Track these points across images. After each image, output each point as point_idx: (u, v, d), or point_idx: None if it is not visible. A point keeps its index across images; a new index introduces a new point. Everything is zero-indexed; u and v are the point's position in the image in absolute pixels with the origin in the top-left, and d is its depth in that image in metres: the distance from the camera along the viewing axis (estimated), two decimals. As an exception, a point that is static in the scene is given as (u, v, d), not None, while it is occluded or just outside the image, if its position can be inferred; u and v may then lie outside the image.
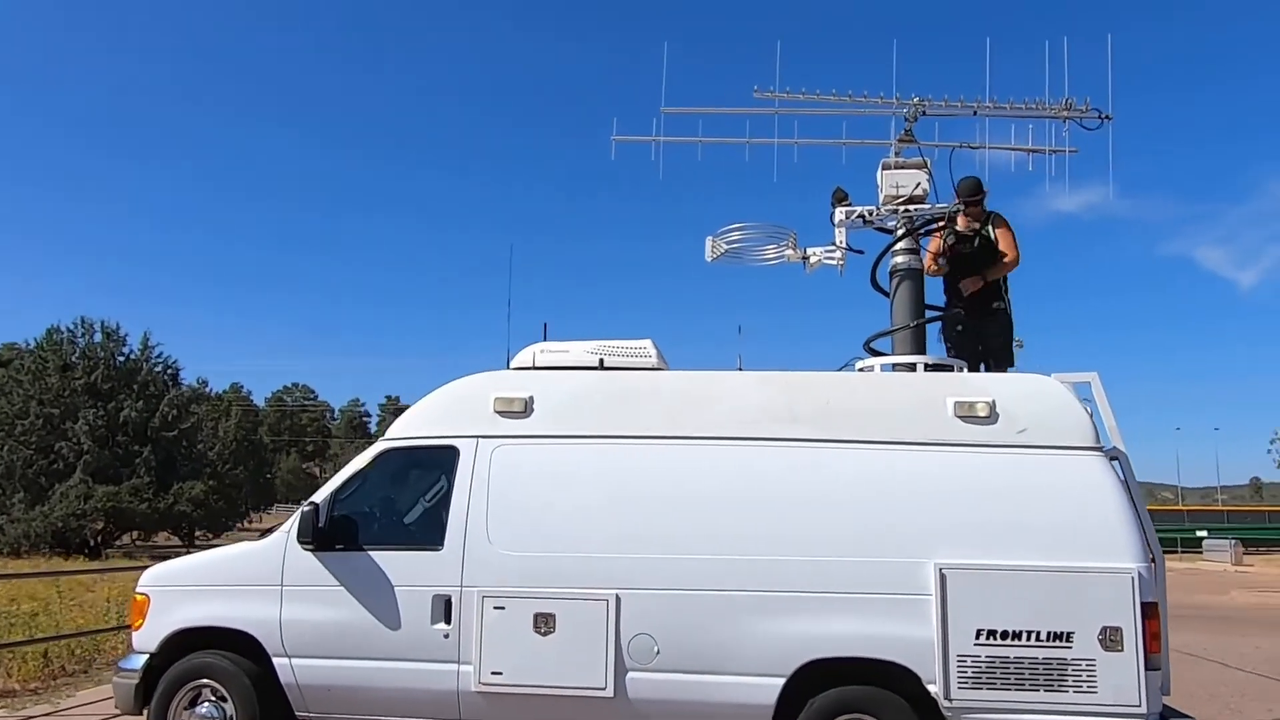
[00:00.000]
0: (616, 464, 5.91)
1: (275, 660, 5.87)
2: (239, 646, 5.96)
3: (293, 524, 6.04)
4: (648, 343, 6.52)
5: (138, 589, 6.25)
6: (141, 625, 6.12)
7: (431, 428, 6.19)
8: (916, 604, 5.41)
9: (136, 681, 5.97)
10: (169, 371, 41.86)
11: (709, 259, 7.12)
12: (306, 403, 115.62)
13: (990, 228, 6.93)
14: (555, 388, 6.18)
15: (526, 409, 6.09)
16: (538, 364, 6.38)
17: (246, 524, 48.38)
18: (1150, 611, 5.30)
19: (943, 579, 5.38)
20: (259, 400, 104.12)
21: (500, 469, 5.96)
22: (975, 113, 6.43)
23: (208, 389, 52.79)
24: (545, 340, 6.65)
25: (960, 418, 5.75)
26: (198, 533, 41.18)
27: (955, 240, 6.97)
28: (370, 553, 5.93)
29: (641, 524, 5.73)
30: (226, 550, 6.42)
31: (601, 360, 6.35)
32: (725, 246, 7.05)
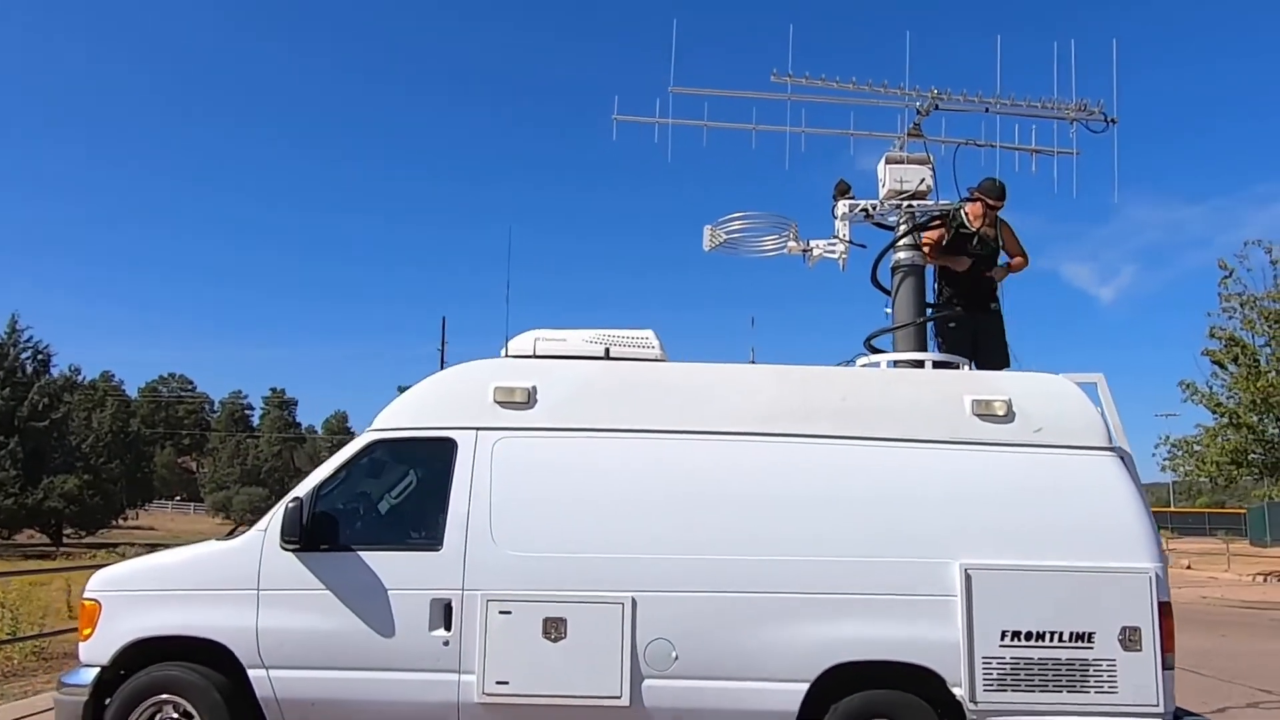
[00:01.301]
0: (628, 460, 5.59)
1: (251, 672, 5.32)
2: (207, 658, 5.37)
3: (271, 521, 5.49)
4: (649, 333, 6.22)
5: (86, 594, 5.57)
6: (91, 635, 5.45)
7: (425, 418, 5.73)
8: (941, 605, 5.29)
9: (86, 698, 5.31)
10: (39, 358, 39.07)
11: (707, 248, 6.88)
12: (184, 393, 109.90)
13: (998, 230, 6.91)
14: (560, 378, 5.82)
15: (529, 400, 5.70)
16: (539, 352, 6.00)
17: (122, 521, 45.58)
18: (1165, 611, 5.33)
19: (968, 580, 5.28)
20: (131, 391, 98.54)
21: (503, 463, 5.56)
22: (987, 110, 6.39)
23: (80, 377, 49.29)
24: (530, 332, 6.25)
25: (978, 416, 5.67)
26: (68, 530, 38.56)
27: (958, 237, 6.91)
28: (360, 553, 5.43)
29: (657, 523, 5.44)
30: (190, 551, 5.80)
31: (607, 350, 6.02)
32: (724, 236, 6.82)
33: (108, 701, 5.38)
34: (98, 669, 5.38)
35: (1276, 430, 23.73)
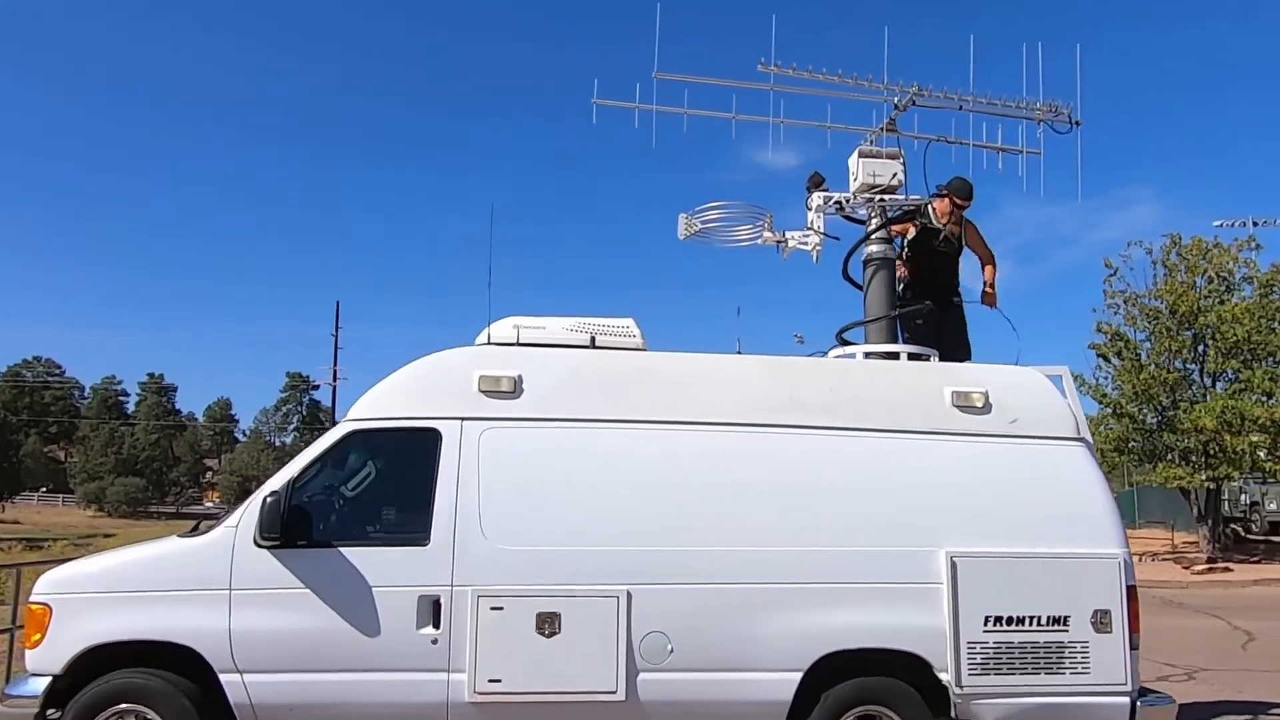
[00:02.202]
0: (618, 451, 5.50)
1: (223, 677, 5.00)
2: (172, 663, 5.03)
3: (243, 517, 5.17)
4: (630, 321, 6.14)
5: (34, 598, 5.13)
6: (41, 641, 5.02)
7: (406, 407, 5.50)
8: (928, 593, 5.41)
9: (36, 710, 4.89)
10: (-107, 338, 35.94)
11: (681, 237, 6.82)
12: (50, 378, 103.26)
13: (963, 229, 7.09)
14: (546, 367, 5.67)
15: (515, 389, 5.54)
16: (522, 340, 5.83)
17: (-13, 515, 42.53)
18: (1132, 594, 5.58)
19: (954, 567, 5.41)
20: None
21: (490, 455, 5.38)
22: (961, 107, 6.54)
23: (-63, 360, 45.62)
24: (509, 319, 6.07)
25: (958, 407, 5.81)
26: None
27: (924, 232, 7.05)
28: (341, 549, 5.17)
29: (650, 515, 5.37)
30: (150, 549, 5.40)
31: (593, 338, 5.90)
32: (699, 225, 6.78)
33: (55, 714, 4.98)
34: (49, 678, 4.97)
35: (1155, 420, 25.25)
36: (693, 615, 5.25)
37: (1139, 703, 5.48)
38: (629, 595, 5.19)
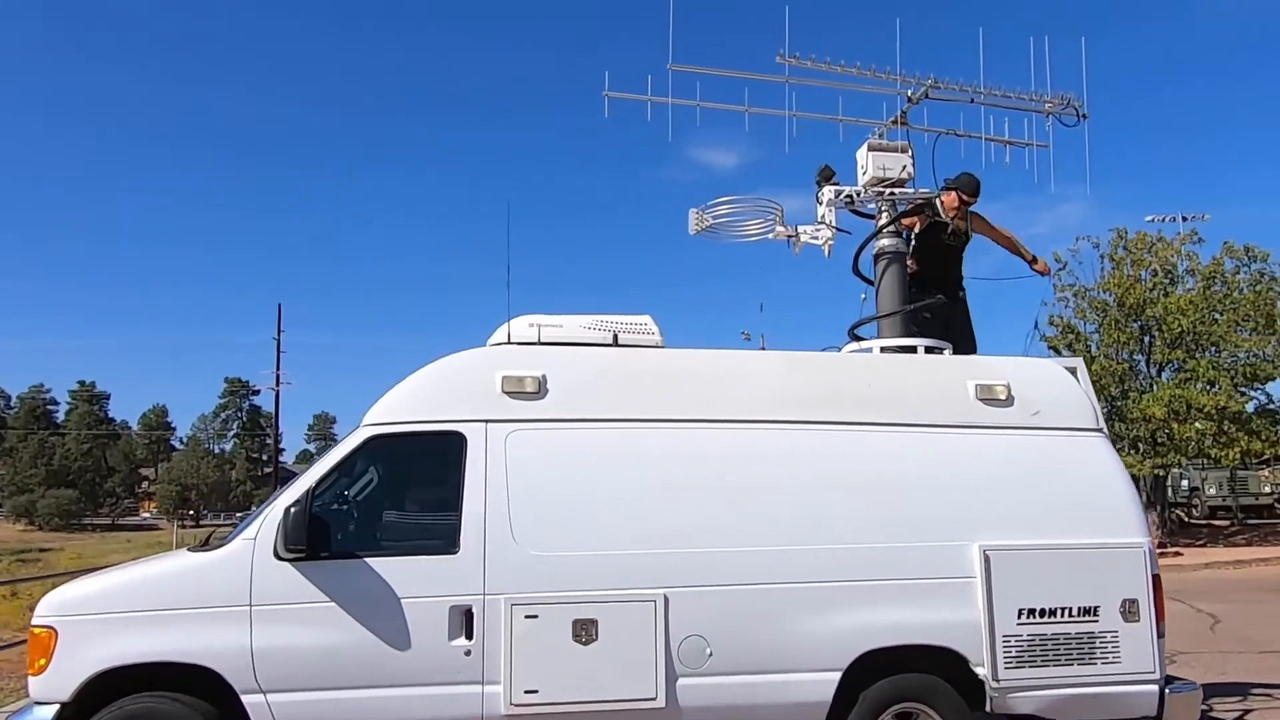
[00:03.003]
0: (648, 451, 5.36)
1: (246, 699, 4.74)
2: (188, 686, 4.75)
3: (261, 529, 4.91)
4: (648, 319, 6.01)
5: (36, 621, 4.80)
6: (46, 667, 4.69)
7: (427, 411, 5.29)
8: (962, 587, 5.37)
9: None
10: None
11: (692, 232, 6.71)
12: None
13: (969, 224, 7.09)
14: (570, 366, 5.51)
15: (540, 389, 5.37)
16: (543, 339, 5.66)
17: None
18: (1156, 583, 5.62)
19: (987, 561, 5.38)
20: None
21: (517, 458, 5.20)
22: (972, 100, 6.53)
23: None
24: (524, 317, 5.90)
25: (982, 400, 5.79)
26: None
27: (932, 226, 7.04)
28: (367, 560, 4.95)
29: (685, 516, 5.24)
30: (162, 565, 5.10)
31: (616, 336, 5.75)
32: (710, 220, 6.67)
33: None
34: (56, 706, 4.65)
35: (1105, 409, 25.88)
36: (731, 617, 5.13)
37: (1167, 690, 5.52)
38: (666, 599, 5.06)
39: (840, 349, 6.62)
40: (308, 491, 4.97)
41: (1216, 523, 32.06)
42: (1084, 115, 6.78)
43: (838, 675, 5.17)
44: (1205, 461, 28.48)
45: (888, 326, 6.73)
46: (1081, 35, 6.50)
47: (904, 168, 6.72)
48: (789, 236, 6.75)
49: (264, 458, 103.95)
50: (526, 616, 4.94)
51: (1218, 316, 25.07)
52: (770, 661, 5.14)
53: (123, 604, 4.82)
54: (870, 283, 6.96)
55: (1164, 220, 28.45)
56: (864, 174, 6.81)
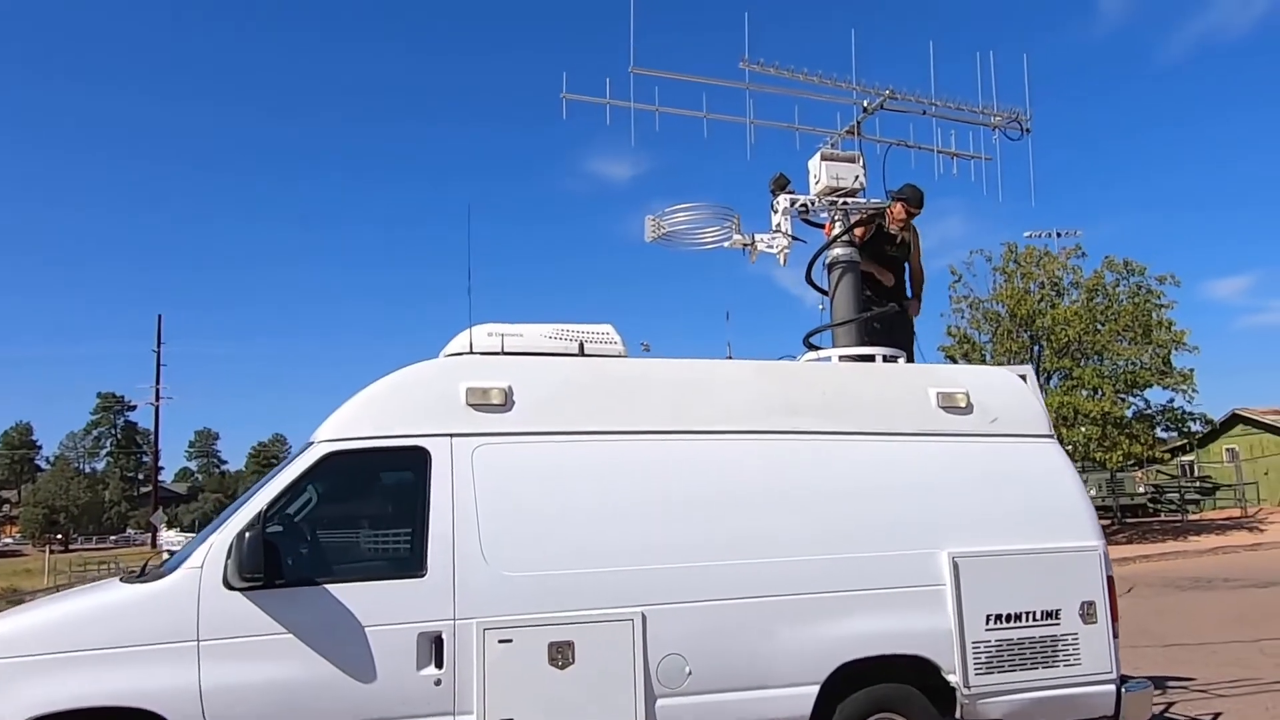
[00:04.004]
0: (619, 464, 5.19)
1: None
2: None
3: (206, 557, 4.51)
4: (609, 327, 5.84)
5: None
6: None
7: (388, 425, 4.97)
8: (932, 595, 5.38)
9: None
10: None
11: (648, 239, 6.58)
12: None
13: (912, 235, 7.18)
14: (536, 377, 5.29)
15: (506, 401, 5.13)
16: (506, 349, 5.42)
17: None
18: (1111, 585, 5.77)
19: (956, 568, 5.41)
20: None
21: (485, 474, 4.95)
22: (925, 112, 6.63)
23: None
24: (482, 326, 5.66)
25: (943, 408, 5.84)
26: None
27: (877, 236, 7.10)
28: (326, 587, 4.60)
29: (659, 531, 5.08)
30: (95, 598, 4.61)
31: (582, 345, 5.56)
32: (666, 228, 6.55)
33: None
34: None
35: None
36: (709, 634, 4.99)
37: (1123, 688, 5.66)
38: (644, 617, 4.88)
39: (796, 358, 6.59)
40: (259, 514, 4.59)
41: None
42: (1027, 129, 6.98)
43: (816, 689, 5.09)
44: (1088, 464, 30.03)
45: (843, 335, 6.75)
46: (1024, 52, 6.68)
47: (856, 177, 6.76)
48: (745, 245, 6.69)
49: (141, 477, 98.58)
50: (500, 641, 4.69)
51: (1100, 327, 26.51)
52: (749, 678, 5.02)
53: (53, 643, 4.32)
54: (824, 292, 6.97)
55: (1040, 235, 29.96)
56: (817, 183, 6.82)
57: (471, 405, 5.06)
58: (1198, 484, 35.54)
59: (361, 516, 5.16)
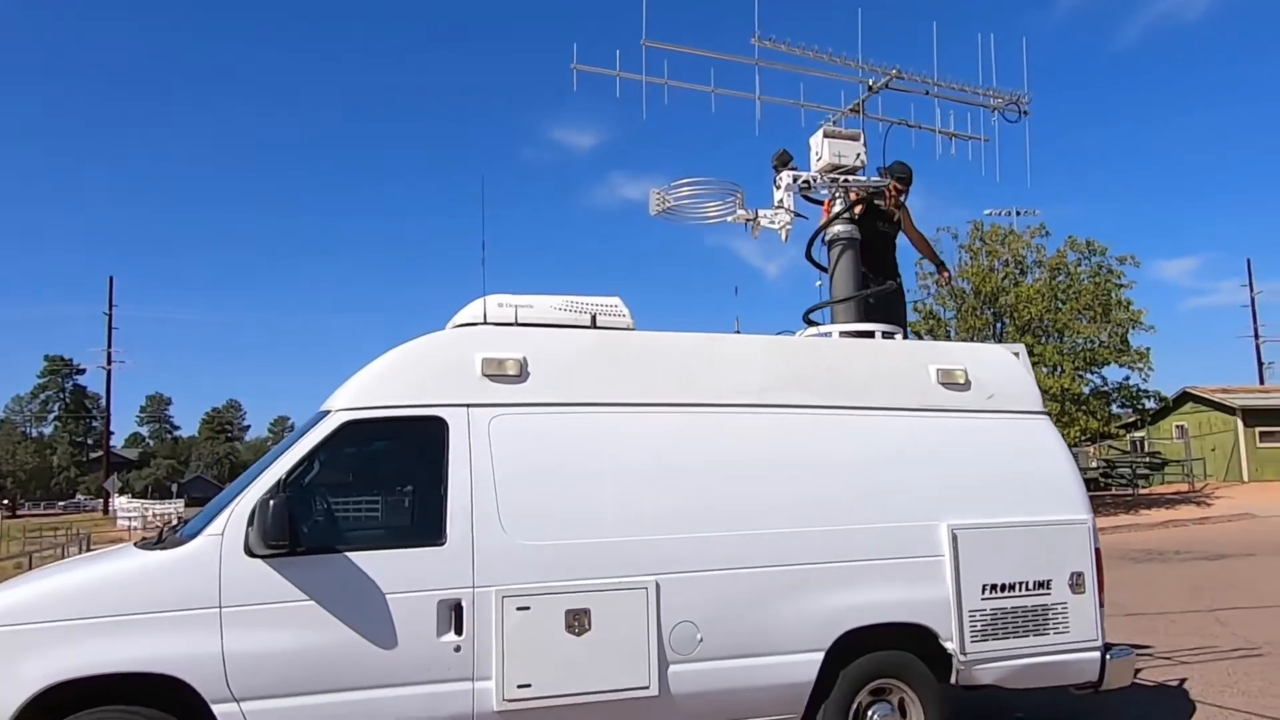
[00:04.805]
0: (633, 435, 5.26)
1: (217, 709, 4.34)
2: (146, 698, 4.32)
3: (227, 524, 4.51)
4: (618, 300, 5.88)
5: None
6: None
7: (405, 394, 4.99)
8: (933, 565, 5.55)
9: None
10: None
11: (652, 213, 6.62)
12: None
13: (901, 212, 7.29)
14: (551, 348, 5.32)
15: (522, 372, 5.17)
16: (520, 320, 5.44)
17: None
18: (1098, 557, 5.99)
19: (955, 539, 5.58)
20: None
21: (501, 444, 4.99)
22: (927, 92, 6.71)
23: None
24: (494, 296, 5.67)
25: (943, 384, 5.99)
26: None
27: (870, 213, 7.20)
28: (348, 555, 4.62)
29: (673, 501, 5.17)
30: (112, 565, 4.58)
31: (594, 317, 5.60)
32: (671, 201, 6.59)
33: None
34: None
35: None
36: (720, 602, 5.11)
37: (1108, 655, 5.90)
38: (657, 585, 4.99)
39: (795, 333, 6.69)
40: (279, 482, 4.60)
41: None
42: (1025, 112, 7.10)
43: (821, 655, 5.25)
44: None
45: (842, 312, 6.85)
46: (1023, 35, 6.78)
47: (858, 155, 6.83)
48: (748, 220, 6.75)
49: (90, 442, 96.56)
50: (518, 609, 4.76)
51: (1061, 305, 27.06)
52: (757, 645, 5.15)
53: (70, 610, 4.31)
54: (823, 269, 7.06)
55: (1001, 214, 30.37)
56: (819, 160, 6.89)
57: (487, 376, 5.09)
58: (1148, 459, 36.60)
59: (379, 485, 5.18)
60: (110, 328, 60.76)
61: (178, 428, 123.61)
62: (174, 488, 76.57)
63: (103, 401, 74.48)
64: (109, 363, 61.02)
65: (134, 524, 39.13)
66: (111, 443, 74.57)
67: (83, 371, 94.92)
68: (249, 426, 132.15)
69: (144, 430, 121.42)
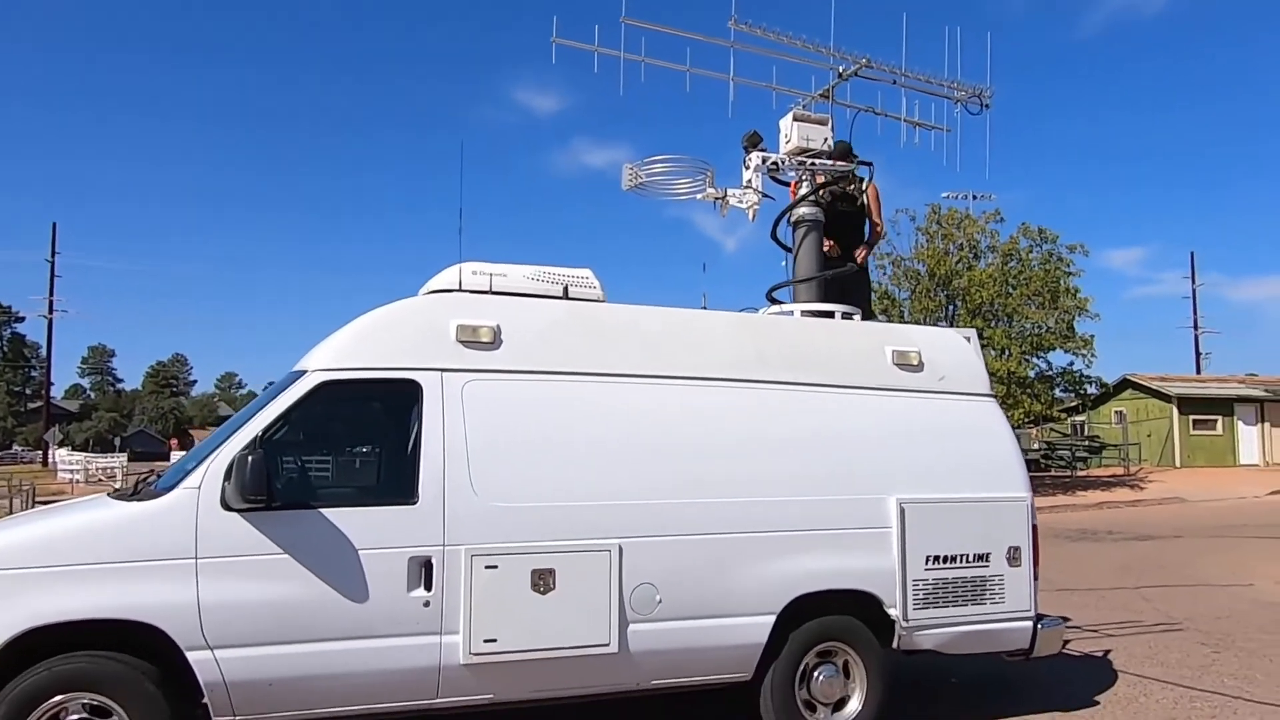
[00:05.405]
0: (602, 405, 5.45)
1: (192, 655, 4.48)
2: (118, 645, 4.44)
3: (204, 478, 4.62)
4: (588, 272, 6.04)
5: None
6: None
7: (380, 358, 5.11)
8: (880, 536, 5.85)
9: None
10: None
11: (625, 187, 6.76)
12: None
13: (864, 194, 7.51)
14: (524, 317, 5.48)
15: (495, 340, 5.32)
16: (494, 288, 5.57)
17: None
18: (1035, 532, 6.34)
19: (902, 512, 5.88)
20: None
21: (474, 409, 5.15)
22: (895, 81, 6.91)
23: None
24: (468, 264, 5.80)
25: (897, 365, 6.27)
26: None
27: (834, 199, 7.42)
28: (322, 511, 4.76)
29: (638, 469, 5.39)
30: (89, 515, 4.66)
31: (566, 289, 5.75)
32: (644, 177, 6.73)
33: None
34: None
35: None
36: (679, 566, 5.35)
37: (1039, 625, 6.27)
38: (620, 549, 5.20)
39: (759, 311, 6.90)
40: (255, 439, 4.71)
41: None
42: (987, 105, 7.35)
43: (772, 618, 5.52)
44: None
45: (804, 291, 7.08)
46: (989, 30, 7.01)
47: (825, 139, 7.03)
48: (717, 199, 6.92)
49: (28, 392, 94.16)
50: (486, 567, 4.94)
51: (1012, 290, 27.71)
52: (713, 607, 5.40)
53: (47, 557, 4.40)
54: (787, 249, 7.27)
55: (958, 197, 30.90)
56: (787, 142, 7.08)
57: (461, 342, 5.23)
58: (1087, 443, 37.76)
59: (354, 445, 5.32)
60: (52, 275, 59.04)
61: (120, 380, 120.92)
62: (116, 441, 75.17)
63: (43, 351, 72.62)
64: (50, 311, 59.35)
65: (76, 477, 38.37)
66: (51, 394, 72.79)
67: (22, 319, 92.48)
68: (195, 382, 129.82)
69: (85, 382, 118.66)
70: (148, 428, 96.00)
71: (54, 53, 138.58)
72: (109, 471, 39.98)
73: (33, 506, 19.15)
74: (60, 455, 52.91)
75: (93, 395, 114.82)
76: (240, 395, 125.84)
